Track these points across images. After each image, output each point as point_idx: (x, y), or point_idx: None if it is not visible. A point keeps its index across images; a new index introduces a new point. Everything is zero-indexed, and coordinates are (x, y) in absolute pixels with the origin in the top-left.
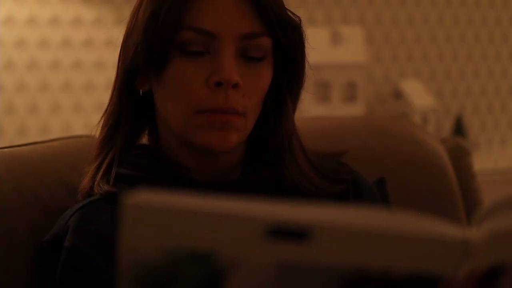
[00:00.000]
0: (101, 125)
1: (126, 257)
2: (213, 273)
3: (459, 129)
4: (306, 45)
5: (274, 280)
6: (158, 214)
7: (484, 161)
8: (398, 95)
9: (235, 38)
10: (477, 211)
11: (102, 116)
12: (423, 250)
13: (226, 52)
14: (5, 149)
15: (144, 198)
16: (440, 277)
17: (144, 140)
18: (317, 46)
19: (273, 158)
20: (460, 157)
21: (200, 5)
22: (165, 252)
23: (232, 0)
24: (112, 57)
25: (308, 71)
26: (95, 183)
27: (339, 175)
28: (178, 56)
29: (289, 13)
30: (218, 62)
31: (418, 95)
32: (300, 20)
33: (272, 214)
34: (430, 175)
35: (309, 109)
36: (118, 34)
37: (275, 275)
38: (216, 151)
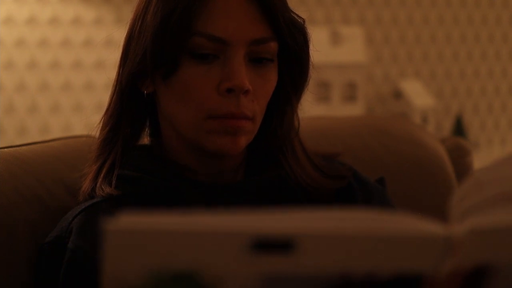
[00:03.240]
0: (100, 126)
1: (111, 283)
2: None
3: (459, 129)
4: (310, 46)
5: None
6: (139, 237)
7: (484, 161)
8: (398, 95)
9: (245, 44)
10: (457, 204)
11: (102, 117)
12: (404, 248)
13: (237, 58)
14: (5, 149)
15: (125, 222)
16: (422, 274)
17: (145, 140)
18: (317, 46)
19: (274, 157)
20: (460, 157)
21: (211, 11)
22: (148, 276)
23: (242, 6)
24: (112, 57)
25: (310, 71)
26: (97, 185)
27: (339, 172)
28: (188, 60)
29: (293, 14)
30: (230, 68)
31: (418, 95)
32: (304, 21)
33: (254, 228)
34: (430, 175)
35: (309, 109)
36: (118, 34)
37: None
38: (226, 155)
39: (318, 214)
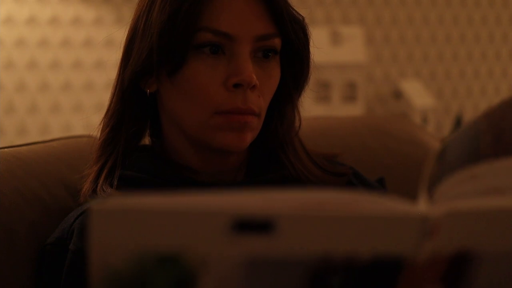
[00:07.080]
0: (101, 127)
1: (97, 267)
2: (182, 276)
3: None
4: (310, 43)
5: (244, 277)
6: (123, 217)
7: None
8: (398, 95)
9: (251, 40)
10: (425, 176)
11: (103, 118)
12: (382, 228)
13: (243, 54)
14: (5, 149)
15: (110, 202)
16: (402, 257)
17: (146, 141)
18: (317, 46)
19: (276, 157)
20: None
21: (217, 7)
22: (133, 259)
23: (247, 2)
24: (112, 57)
25: (311, 68)
26: (98, 186)
27: (340, 170)
28: (195, 57)
29: (294, 11)
30: (237, 63)
31: (418, 95)
32: (303, 18)
33: (234, 207)
34: None
35: (309, 109)
36: (118, 34)
37: (245, 271)
38: (232, 152)
39: (298, 194)
